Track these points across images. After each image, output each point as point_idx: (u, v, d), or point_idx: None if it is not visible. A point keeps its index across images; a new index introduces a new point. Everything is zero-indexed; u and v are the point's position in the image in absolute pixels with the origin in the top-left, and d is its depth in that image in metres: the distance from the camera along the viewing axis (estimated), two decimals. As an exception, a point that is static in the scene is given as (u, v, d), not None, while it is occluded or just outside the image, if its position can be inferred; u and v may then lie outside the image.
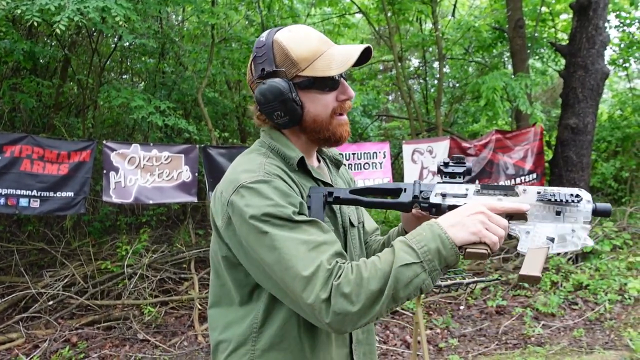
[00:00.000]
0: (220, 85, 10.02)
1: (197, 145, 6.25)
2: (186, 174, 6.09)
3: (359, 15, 10.24)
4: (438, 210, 1.29)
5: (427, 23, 10.54)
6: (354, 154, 6.63)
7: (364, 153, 6.68)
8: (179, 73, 9.17)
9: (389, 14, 8.40)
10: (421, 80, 11.54)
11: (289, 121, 1.32)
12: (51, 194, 5.55)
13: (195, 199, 6.19)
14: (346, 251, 1.42)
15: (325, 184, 1.42)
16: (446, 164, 1.34)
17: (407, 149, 6.69)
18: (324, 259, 1.13)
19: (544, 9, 8.97)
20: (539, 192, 1.25)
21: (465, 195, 1.28)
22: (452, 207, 1.26)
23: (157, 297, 5.79)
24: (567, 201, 1.22)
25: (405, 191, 1.33)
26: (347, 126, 1.39)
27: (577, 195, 1.22)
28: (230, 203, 1.22)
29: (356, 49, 1.31)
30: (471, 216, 1.17)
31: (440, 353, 4.63)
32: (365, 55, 1.33)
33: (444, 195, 1.29)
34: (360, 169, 6.65)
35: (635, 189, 8.59)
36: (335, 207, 1.43)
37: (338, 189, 1.38)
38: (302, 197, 1.31)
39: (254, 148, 1.39)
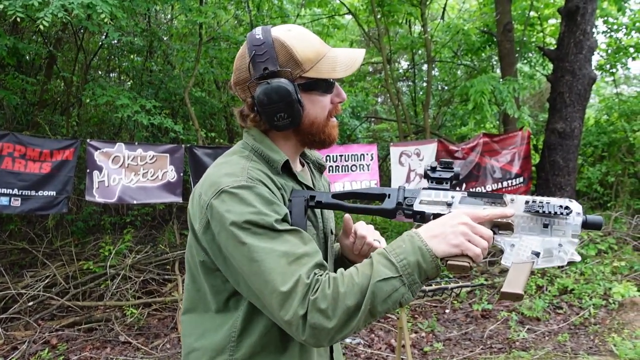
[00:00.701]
0: (208, 85, 9.95)
1: (183, 145, 6.19)
2: (171, 174, 6.02)
3: (348, 17, 10.23)
4: (422, 217, 1.25)
5: (416, 25, 10.56)
6: (341, 155, 6.60)
7: (352, 155, 6.65)
8: (166, 72, 9.09)
9: (379, 16, 8.39)
10: (410, 83, 11.56)
11: (290, 123, 1.27)
12: (33, 192, 5.45)
13: (180, 199, 6.12)
14: (326, 260, 1.39)
15: (309, 188, 1.38)
16: (433, 169, 1.29)
17: (394, 151, 6.67)
18: (303, 273, 1.09)
19: (532, 13, 9.01)
20: (527, 202, 1.20)
21: (450, 204, 1.23)
22: (436, 216, 1.22)
23: (140, 298, 5.71)
24: (556, 213, 1.17)
25: (389, 197, 1.29)
26: (337, 129, 1.38)
27: (567, 207, 1.17)
28: (210, 207, 1.17)
29: (359, 53, 1.31)
30: (454, 227, 1.13)
31: (425, 357, 4.61)
32: None
33: (428, 203, 1.26)
34: (348, 170, 6.62)
35: (620, 194, 8.65)
36: (317, 213, 1.39)
37: (320, 193, 1.35)
38: (286, 201, 1.27)
39: (237, 150, 1.35)
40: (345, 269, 1.15)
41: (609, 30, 9.47)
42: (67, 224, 7.43)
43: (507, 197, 1.21)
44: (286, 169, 1.32)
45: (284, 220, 1.18)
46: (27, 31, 7.97)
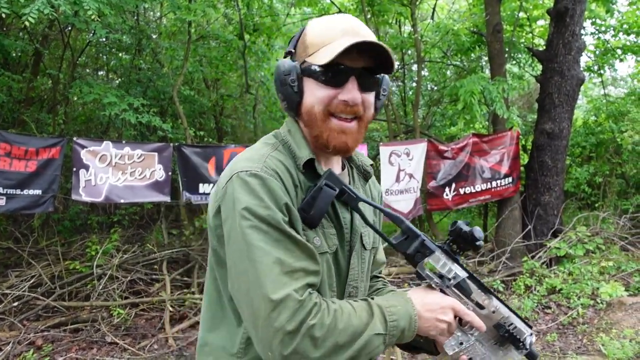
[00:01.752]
0: (197, 84, 9.89)
1: (171, 144, 6.14)
2: (159, 173, 5.98)
3: (338, 16, 10.19)
4: (420, 275, 1.26)
5: (406, 26, 10.56)
6: (331, 155, 6.57)
7: (341, 154, 6.62)
8: (155, 70, 9.02)
9: (369, 16, 8.37)
10: (400, 83, 11.56)
11: (287, 107, 1.25)
12: (18, 191, 5.38)
13: (168, 199, 6.08)
14: (347, 276, 1.30)
15: None
16: (466, 239, 1.24)
17: (384, 151, 6.66)
18: (293, 289, 1.05)
19: (521, 14, 9.05)
20: (502, 319, 1.28)
21: (447, 284, 1.25)
22: (429, 285, 1.26)
23: (127, 298, 5.65)
24: (514, 341, 1.29)
25: (407, 238, 1.24)
26: (346, 136, 1.21)
27: (523, 342, 1.29)
28: (224, 190, 1.14)
29: (344, 43, 1.14)
30: (440, 321, 1.20)
31: (414, 357, 4.60)
32: (381, 58, 1.20)
33: (431, 269, 1.26)
34: (338, 170, 6.59)
35: (608, 194, 8.71)
36: (345, 220, 1.28)
37: (354, 191, 1.24)
38: (299, 200, 1.19)
39: (267, 137, 1.31)
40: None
41: (597, 32, 9.54)
42: (54, 223, 7.35)
43: (493, 304, 1.27)
44: (309, 168, 1.23)
45: (290, 223, 1.12)
46: (13, 28, 7.88)
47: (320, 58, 1.17)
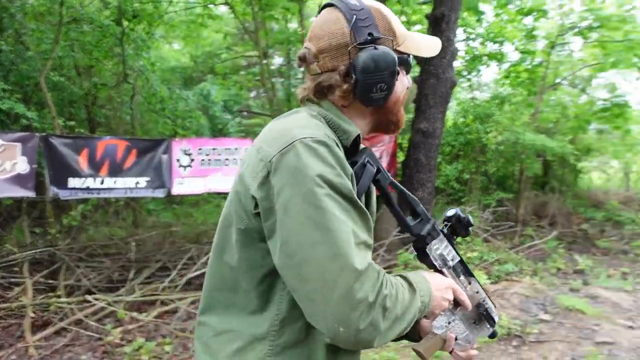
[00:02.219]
0: (68, 70, 9.15)
1: (37, 134, 5.62)
2: (22, 166, 5.46)
3: (223, 8, 9.99)
4: (424, 256, 1.30)
5: (293, 22, 10.63)
6: (214, 149, 6.43)
7: (225, 149, 6.51)
8: (18, 52, 8.19)
9: (256, 9, 8.30)
10: (283, 79, 11.62)
11: (384, 97, 1.17)
12: None
13: (32, 194, 5.56)
14: None
15: None
16: (463, 224, 1.35)
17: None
18: (370, 258, 1.02)
19: (403, 18, 9.50)
20: (482, 299, 1.38)
21: (446, 267, 1.32)
22: (432, 265, 1.30)
23: (-19, 305, 5.08)
24: (489, 319, 1.41)
25: (420, 221, 1.28)
26: None
27: (494, 320, 1.42)
28: (276, 159, 1.02)
29: (437, 40, 1.29)
30: (443, 300, 1.23)
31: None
32: None
33: (436, 251, 1.31)
34: (221, 165, 6.47)
35: (473, 190, 9.45)
36: (372, 198, 1.32)
37: (387, 174, 1.26)
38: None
39: (303, 109, 1.20)
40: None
41: (467, 39, 10.31)
42: None
43: (476, 286, 1.39)
44: (354, 146, 1.18)
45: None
46: None
47: (417, 49, 1.23)
